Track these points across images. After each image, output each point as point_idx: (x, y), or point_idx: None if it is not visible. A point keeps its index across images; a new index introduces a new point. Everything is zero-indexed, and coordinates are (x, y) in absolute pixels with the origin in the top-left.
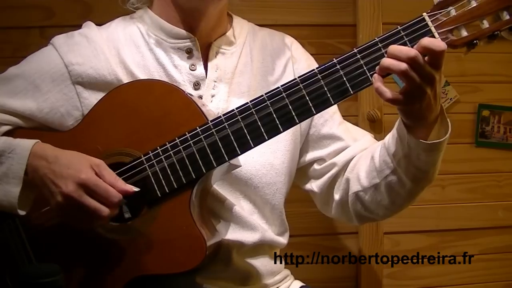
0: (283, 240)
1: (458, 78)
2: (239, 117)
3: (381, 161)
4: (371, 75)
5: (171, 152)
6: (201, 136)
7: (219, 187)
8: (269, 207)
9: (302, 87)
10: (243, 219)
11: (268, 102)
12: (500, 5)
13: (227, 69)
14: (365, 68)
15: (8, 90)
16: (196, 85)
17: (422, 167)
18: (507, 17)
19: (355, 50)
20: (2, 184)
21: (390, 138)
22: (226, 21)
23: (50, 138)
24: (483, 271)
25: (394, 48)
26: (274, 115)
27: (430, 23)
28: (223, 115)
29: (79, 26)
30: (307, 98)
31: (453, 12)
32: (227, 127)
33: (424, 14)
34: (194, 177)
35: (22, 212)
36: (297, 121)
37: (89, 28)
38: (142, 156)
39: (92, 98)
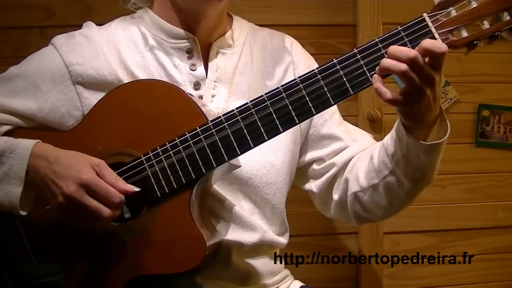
0: (283, 240)
1: (458, 78)
2: (239, 117)
3: (380, 161)
4: (371, 76)
5: (171, 152)
6: (201, 136)
7: (219, 187)
8: (269, 207)
9: (302, 87)
10: (243, 219)
11: (268, 102)
12: (500, 6)
13: (227, 69)
14: (365, 69)
15: (8, 90)
16: (197, 85)
17: (420, 168)
18: (508, 17)
19: (355, 51)
20: (3, 184)
21: (389, 138)
22: (226, 21)
23: (50, 138)
24: (483, 271)
25: (394, 48)
26: (274, 115)
27: (430, 24)
28: (223, 115)
29: (79, 26)
30: (307, 98)
31: (453, 12)
32: (227, 127)
33: (425, 14)
34: (194, 177)
35: (23, 212)
36: (297, 121)
37: (89, 28)
38: (142, 156)
39: (93, 98)
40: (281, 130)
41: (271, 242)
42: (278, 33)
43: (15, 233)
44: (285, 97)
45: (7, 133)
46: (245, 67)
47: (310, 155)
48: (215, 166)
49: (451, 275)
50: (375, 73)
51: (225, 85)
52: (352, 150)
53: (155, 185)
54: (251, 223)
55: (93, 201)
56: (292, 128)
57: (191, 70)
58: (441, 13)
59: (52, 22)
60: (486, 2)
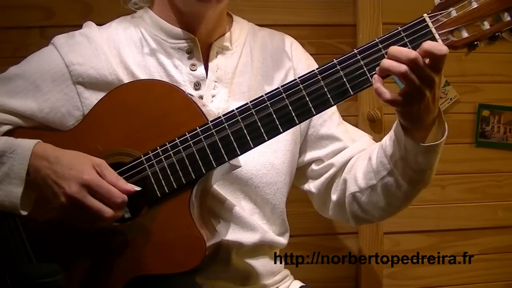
0: (283, 240)
1: (458, 78)
2: (239, 117)
3: (378, 162)
4: (372, 76)
5: (171, 152)
6: (201, 137)
7: (220, 187)
8: (269, 207)
9: (302, 88)
10: (244, 219)
11: (268, 102)
12: (501, 6)
13: (227, 69)
14: (365, 69)
15: (8, 90)
16: (197, 85)
17: (418, 169)
18: (508, 18)
19: (356, 51)
20: (3, 184)
21: (387, 139)
22: (226, 21)
23: (50, 137)
24: (483, 271)
25: (395, 49)
26: (274, 116)
27: (430, 24)
28: (223, 115)
29: (79, 26)
30: (307, 98)
31: (453, 13)
32: (227, 127)
33: (425, 15)
34: (194, 177)
35: (24, 212)
36: (297, 121)
37: (89, 28)
38: (142, 156)
39: (93, 98)
40: (281, 130)
41: (271, 242)
42: (278, 33)
43: (15, 233)
44: (285, 97)
45: (7, 133)
46: (245, 67)
47: (309, 155)
48: (215, 166)
49: (451, 275)
50: (375, 73)
51: (225, 85)
52: (351, 151)
53: (155, 185)
54: (251, 223)
55: (95, 202)
56: (292, 128)
57: (191, 70)
58: (441, 13)
59: (52, 22)
60: (486, 2)
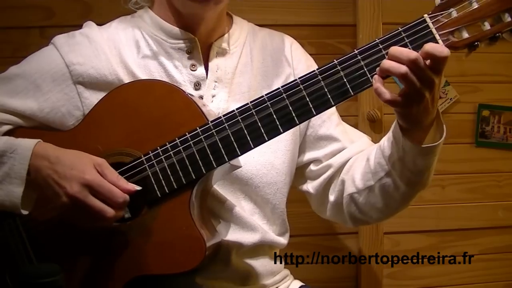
0: (284, 240)
1: (458, 78)
2: (239, 117)
3: (376, 163)
4: (372, 77)
5: (171, 152)
6: (201, 137)
7: (220, 187)
8: (270, 207)
9: (302, 88)
10: (244, 219)
11: (268, 103)
12: (501, 7)
13: (227, 69)
14: (365, 70)
15: (8, 90)
16: (197, 85)
17: (416, 170)
18: (509, 19)
19: (356, 51)
20: (4, 184)
21: (385, 140)
22: (226, 21)
23: (51, 137)
24: (483, 271)
25: (395, 49)
26: (275, 116)
27: (431, 25)
28: (224, 115)
29: (79, 26)
30: (308, 99)
31: (454, 13)
32: (227, 127)
33: (425, 15)
34: (194, 177)
35: (25, 212)
36: (297, 122)
37: (90, 28)
38: (142, 156)
39: (93, 98)
40: (281, 130)
41: (271, 242)
42: (278, 34)
43: (15, 233)
44: (285, 97)
45: (7, 133)
46: (245, 67)
47: (307, 156)
48: (215, 166)
49: (451, 275)
50: (375, 74)
51: (225, 85)
52: (349, 152)
53: (155, 185)
54: (252, 224)
55: (97, 202)
56: (292, 128)
57: (191, 70)
58: (442, 14)
59: (52, 22)
60: (487, 3)
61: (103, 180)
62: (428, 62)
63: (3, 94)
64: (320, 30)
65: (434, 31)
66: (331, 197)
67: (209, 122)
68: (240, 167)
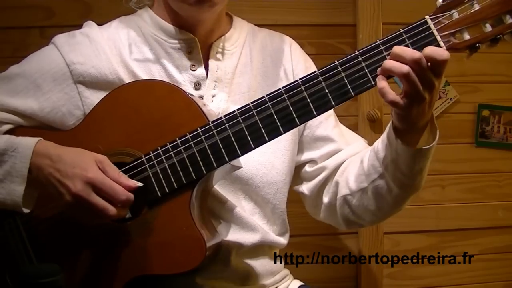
0: (284, 240)
1: (458, 78)
2: (240, 118)
3: (370, 165)
4: (373, 78)
5: (171, 152)
6: (202, 137)
7: (220, 187)
8: (270, 207)
9: (303, 89)
10: (244, 220)
11: (269, 103)
12: (503, 9)
13: (227, 69)
14: (366, 71)
15: (9, 89)
16: (197, 85)
17: (409, 173)
18: (510, 20)
19: (357, 52)
20: (6, 182)
21: (379, 142)
22: (225, 22)
23: (51, 137)
24: (483, 271)
25: (399, 49)
26: (275, 117)
27: (432, 26)
28: (224, 116)
29: (79, 26)
30: (308, 99)
31: (455, 15)
32: (227, 128)
33: (427, 17)
34: (194, 177)
35: (26, 210)
36: (298, 122)
37: (90, 27)
38: (143, 156)
39: (94, 97)
40: (282, 131)
41: (271, 242)
42: (278, 34)
43: (15, 233)
44: (286, 98)
45: (8, 132)
46: (244, 67)
47: (304, 156)
48: (215, 166)
49: (451, 275)
50: (376, 75)
51: (225, 85)
52: (344, 154)
53: (155, 185)
54: (252, 224)
55: (100, 200)
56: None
57: (191, 70)
58: (443, 15)
59: (52, 22)
60: (488, 4)
61: (106, 178)
62: (429, 64)
63: (3, 94)
64: (320, 30)
65: (435, 32)
66: (325, 199)
67: (210, 122)
68: (241, 167)
